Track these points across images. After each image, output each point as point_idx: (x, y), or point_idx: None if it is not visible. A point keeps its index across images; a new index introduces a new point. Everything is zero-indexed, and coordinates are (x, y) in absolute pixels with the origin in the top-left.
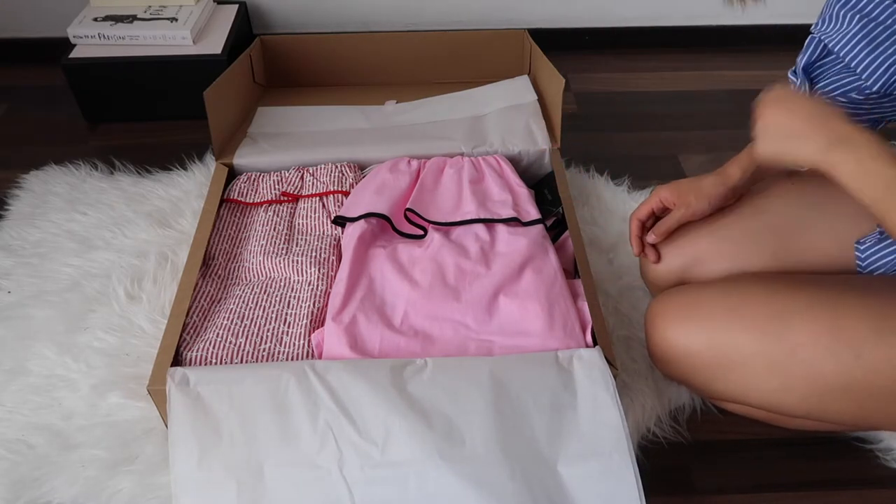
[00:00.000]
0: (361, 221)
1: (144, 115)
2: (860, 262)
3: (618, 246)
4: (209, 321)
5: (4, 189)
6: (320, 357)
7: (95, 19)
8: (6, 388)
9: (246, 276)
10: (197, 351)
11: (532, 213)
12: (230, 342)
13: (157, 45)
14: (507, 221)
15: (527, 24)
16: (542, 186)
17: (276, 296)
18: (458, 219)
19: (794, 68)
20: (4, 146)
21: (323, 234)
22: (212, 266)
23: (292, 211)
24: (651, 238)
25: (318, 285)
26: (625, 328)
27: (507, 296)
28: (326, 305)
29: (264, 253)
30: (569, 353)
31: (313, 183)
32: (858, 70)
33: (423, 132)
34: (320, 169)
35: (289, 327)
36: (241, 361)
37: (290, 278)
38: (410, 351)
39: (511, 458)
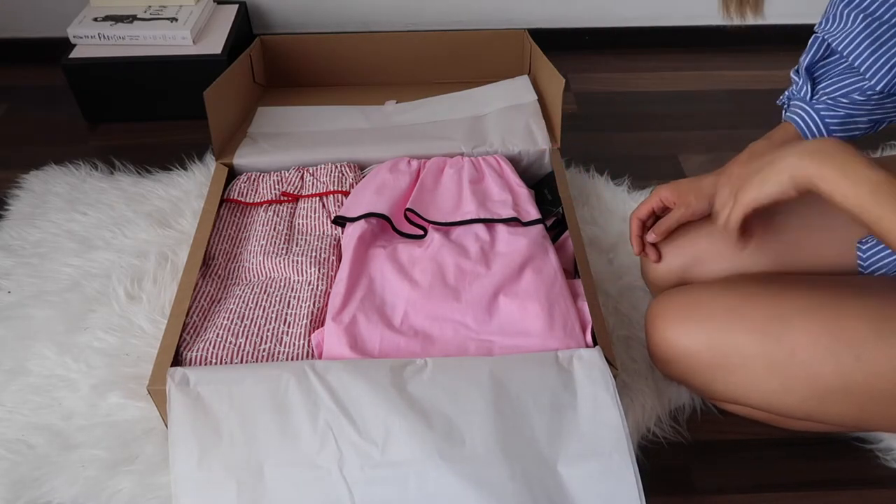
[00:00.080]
0: (361, 221)
1: (144, 115)
2: (861, 263)
3: (618, 246)
4: (209, 321)
5: (4, 189)
6: (320, 357)
7: (95, 19)
8: (6, 388)
9: (246, 276)
10: (197, 351)
11: (532, 213)
12: (230, 342)
13: (157, 45)
14: (507, 221)
15: (527, 24)
16: (542, 186)
17: (276, 296)
18: (458, 219)
19: (797, 68)
20: (4, 146)
21: (323, 234)
22: (212, 266)
23: (292, 211)
24: (651, 237)
25: (318, 285)
26: (625, 328)
27: (507, 296)
28: (326, 305)
29: (264, 253)
30: (569, 353)
31: (313, 183)
32: (862, 69)
33: (423, 132)
34: (320, 169)
35: (289, 327)
36: (241, 361)
37: (290, 278)
38: (410, 351)
39: (511, 458)
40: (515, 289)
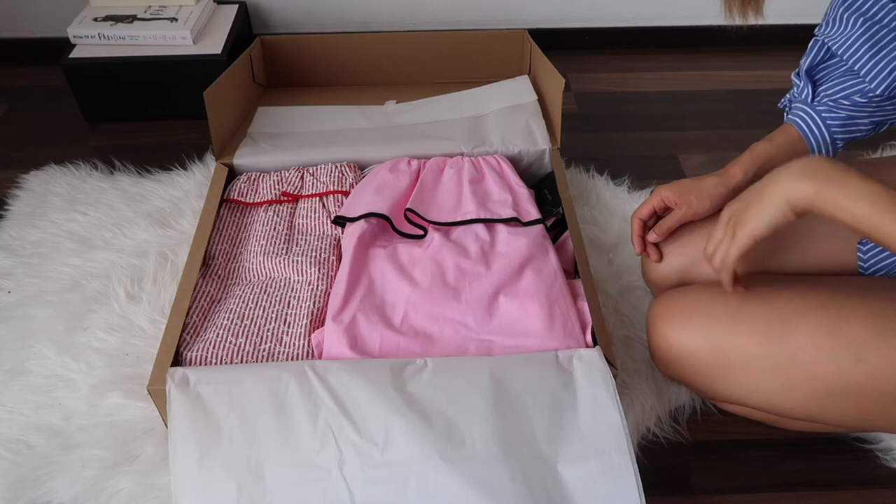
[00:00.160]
0: (361, 221)
1: (144, 115)
2: (862, 264)
3: (618, 246)
4: (209, 321)
5: (4, 189)
6: (320, 357)
7: (95, 19)
8: (6, 388)
9: (246, 276)
10: (197, 351)
11: (532, 213)
12: (230, 342)
13: (157, 45)
14: (507, 221)
15: (527, 24)
16: (542, 186)
17: (276, 296)
18: (458, 219)
19: (797, 70)
20: (4, 146)
21: (323, 234)
22: (212, 266)
23: (292, 211)
24: (652, 237)
25: (318, 285)
26: (625, 328)
27: (507, 296)
28: (326, 305)
29: (264, 253)
30: (569, 353)
31: (313, 183)
32: (862, 73)
33: (423, 132)
34: (320, 169)
35: (289, 327)
36: (241, 361)
37: (290, 278)
38: (410, 351)
39: (511, 458)
40: (515, 289)
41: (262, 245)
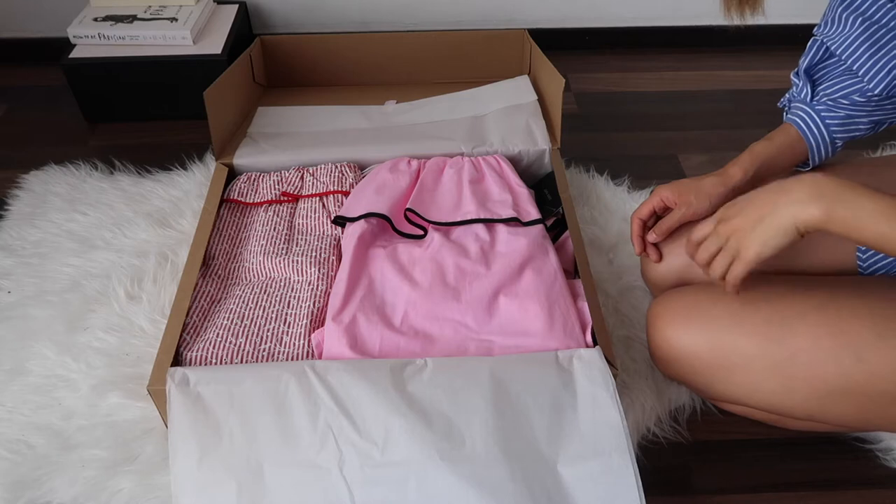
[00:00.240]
0: (361, 221)
1: (144, 115)
2: (861, 264)
3: (618, 246)
4: (209, 321)
5: (4, 189)
6: (320, 357)
7: (95, 19)
8: (6, 388)
9: (246, 276)
10: (197, 351)
11: (532, 213)
12: (230, 342)
13: (157, 45)
14: (507, 221)
15: (527, 24)
16: (542, 186)
17: (276, 296)
18: (458, 219)
19: (796, 70)
20: (4, 146)
21: (323, 234)
22: (212, 266)
23: (292, 211)
24: (652, 237)
25: (318, 285)
26: (625, 328)
27: (507, 296)
28: (326, 305)
29: (264, 253)
30: (569, 353)
31: (313, 183)
32: (860, 73)
33: (423, 132)
34: (320, 169)
35: (289, 327)
36: (241, 361)
37: (290, 278)
38: (410, 351)
39: (511, 458)
40: (515, 289)
41: (262, 245)
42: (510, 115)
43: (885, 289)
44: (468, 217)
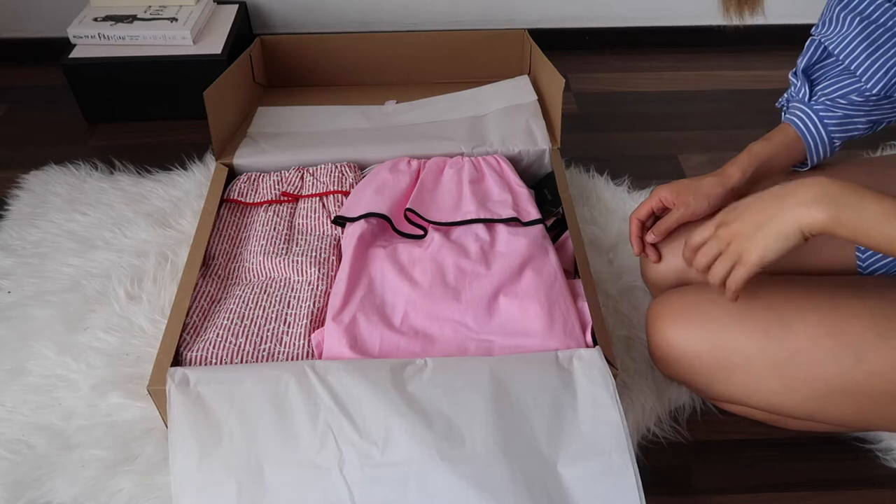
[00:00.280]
0: (361, 221)
1: (144, 115)
2: (861, 263)
3: (618, 246)
4: (209, 321)
5: (4, 189)
6: (320, 357)
7: (95, 19)
8: (6, 388)
9: (246, 276)
10: (197, 351)
11: (532, 213)
12: (230, 342)
13: (157, 45)
14: (507, 221)
15: (527, 24)
16: (542, 186)
17: (276, 296)
18: (458, 219)
19: (794, 70)
20: (4, 146)
21: (323, 234)
22: (212, 266)
23: (292, 211)
24: (650, 237)
25: (318, 285)
26: (625, 328)
27: (507, 296)
28: (326, 305)
29: (264, 253)
30: (569, 353)
31: (313, 183)
32: (858, 72)
33: (423, 132)
34: (320, 169)
35: (289, 327)
36: (241, 361)
37: (290, 278)
38: (410, 351)
39: (511, 458)
40: (515, 289)
41: (262, 245)
42: (510, 115)
43: (885, 289)
44: (468, 217)
